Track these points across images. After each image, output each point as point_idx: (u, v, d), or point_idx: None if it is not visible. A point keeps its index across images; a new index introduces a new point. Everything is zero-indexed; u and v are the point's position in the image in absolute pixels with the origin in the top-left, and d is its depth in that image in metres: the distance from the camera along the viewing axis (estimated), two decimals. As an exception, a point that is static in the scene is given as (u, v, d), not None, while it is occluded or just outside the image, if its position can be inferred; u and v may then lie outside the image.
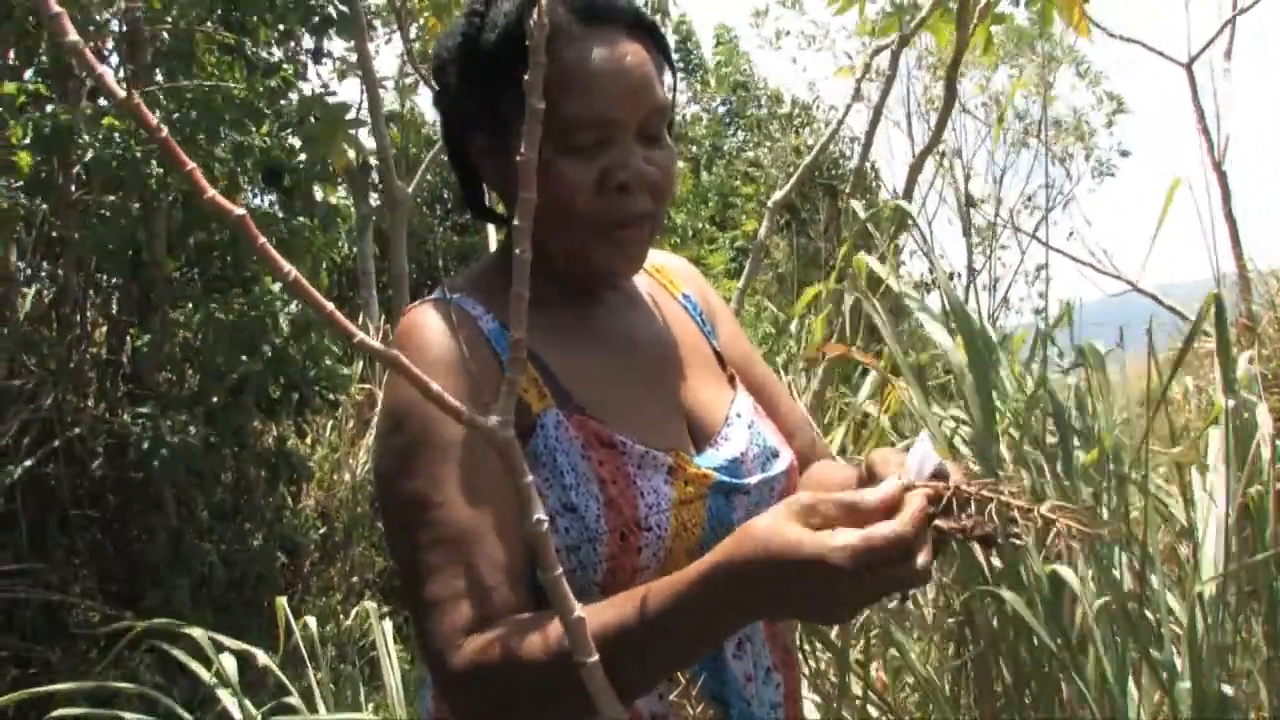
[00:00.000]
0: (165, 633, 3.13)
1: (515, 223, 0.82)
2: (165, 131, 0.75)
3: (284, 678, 2.88)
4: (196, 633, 2.81)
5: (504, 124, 1.32)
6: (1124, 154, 9.87)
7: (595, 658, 0.85)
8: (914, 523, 1.02)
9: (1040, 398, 2.14)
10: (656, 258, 1.55)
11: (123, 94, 0.75)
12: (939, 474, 1.10)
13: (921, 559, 1.01)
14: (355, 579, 5.77)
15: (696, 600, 1.05)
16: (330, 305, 0.79)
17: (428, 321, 1.30)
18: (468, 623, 1.15)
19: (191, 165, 0.77)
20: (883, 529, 1.00)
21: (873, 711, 2.37)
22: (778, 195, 4.73)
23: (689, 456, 1.34)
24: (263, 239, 0.78)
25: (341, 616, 5.21)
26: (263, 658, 2.95)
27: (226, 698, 2.84)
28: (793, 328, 4.59)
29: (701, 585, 1.05)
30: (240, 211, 0.77)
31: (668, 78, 1.40)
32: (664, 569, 1.21)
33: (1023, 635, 2.16)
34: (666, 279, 1.55)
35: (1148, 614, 2.08)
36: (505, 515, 1.21)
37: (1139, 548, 2.11)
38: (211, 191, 0.77)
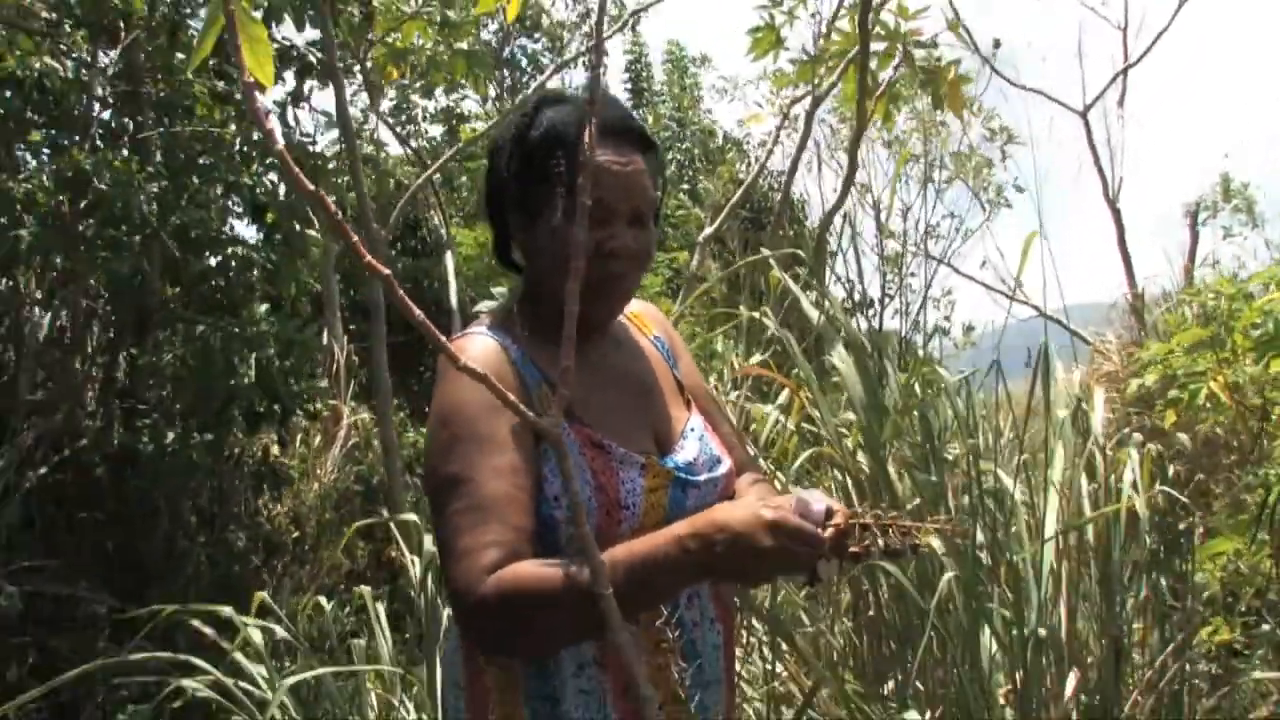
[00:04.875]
0: (171, 620, 3.59)
1: (569, 285, 1.24)
2: (334, 208, 1.03)
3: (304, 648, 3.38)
4: (227, 611, 3.32)
5: (535, 203, 1.74)
6: (1019, 189, 10.61)
7: (611, 590, 1.23)
8: (826, 536, 1.49)
9: (916, 411, 2.75)
10: (635, 306, 1.97)
11: (311, 187, 1.05)
12: (828, 511, 1.51)
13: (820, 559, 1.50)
14: (326, 579, 6.25)
15: (673, 544, 1.50)
16: (441, 337, 1.17)
17: (474, 347, 1.74)
18: (490, 565, 1.52)
19: (345, 226, 1.06)
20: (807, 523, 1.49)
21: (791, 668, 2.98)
22: (708, 231, 5.34)
23: (656, 458, 1.77)
24: (401, 292, 1.09)
25: (311, 614, 5.68)
26: (280, 631, 3.46)
27: (248, 665, 3.33)
28: (719, 346, 5.21)
29: (678, 536, 1.51)
30: (386, 272, 1.11)
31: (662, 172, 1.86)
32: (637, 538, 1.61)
33: (902, 603, 2.77)
34: (642, 323, 1.98)
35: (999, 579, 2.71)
36: (521, 494, 1.61)
37: (995, 530, 2.74)
38: (368, 257, 1.09)
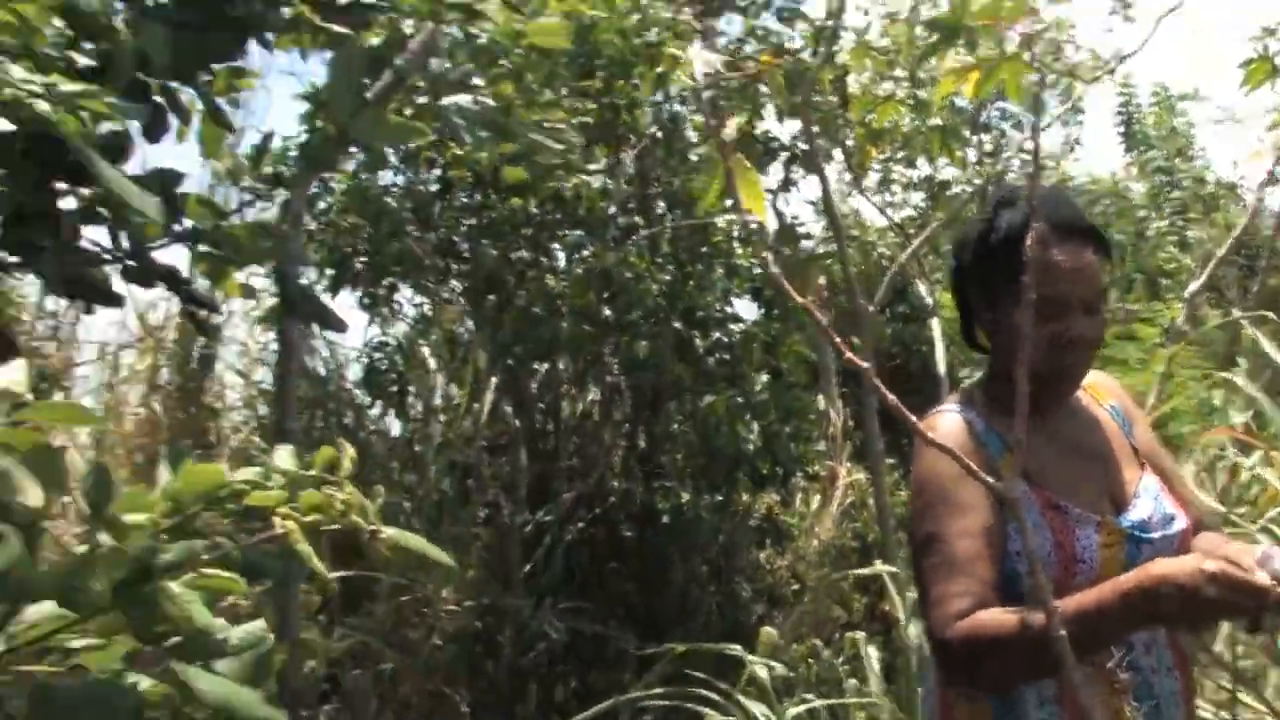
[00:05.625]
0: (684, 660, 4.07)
1: (1019, 370, 1.38)
2: (822, 318, 1.48)
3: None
4: (736, 648, 3.76)
5: (995, 294, 1.99)
6: None
7: (1064, 633, 1.33)
8: (1268, 586, 1.56)
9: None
10: (1090, 378, 2.11)
11: (802, 299, 1.58)
12: None
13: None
14: (823, 628, 6.63)
15: (1119, 594, 1.64)
16: (913, 418, 1.41)
17: (943, 423, 2.02)
18: (959, 612, 1.75)
19: (834, 334, 1.37)
20: (1247, 573, 1.58)
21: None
22: (1193, 286, 5.26)
23: (1111, 518, 1.94)
24: (878, 382, 1.37)
25: (810, 661, 6.08)
26: (780, 669, 3.85)
27: (749, 703, 3.74)
28: (1217, 401, 5.10)
29: (1122, 587, 1.65)
30: (866, 366, 1.40)
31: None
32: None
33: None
34: (1096, 393, 2.14)
35: None
36: (986, 550, 1.84)
37: None
38: (848, 354, 1.37)
